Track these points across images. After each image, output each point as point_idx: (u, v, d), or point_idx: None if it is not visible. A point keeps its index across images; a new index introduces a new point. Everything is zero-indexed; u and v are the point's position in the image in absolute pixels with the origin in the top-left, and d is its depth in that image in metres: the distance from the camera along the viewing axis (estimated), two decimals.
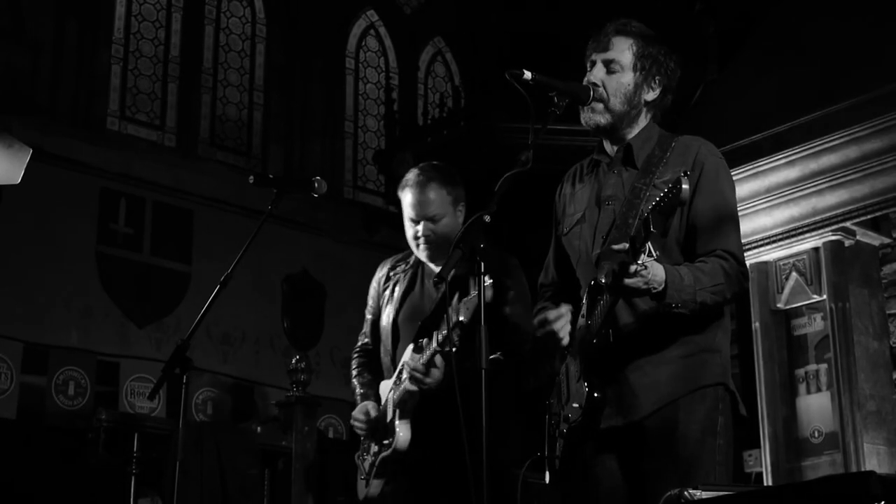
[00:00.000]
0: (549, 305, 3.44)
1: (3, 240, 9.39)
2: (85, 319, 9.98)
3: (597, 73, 3.33)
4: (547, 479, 3.33)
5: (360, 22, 13.20)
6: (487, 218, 3.07)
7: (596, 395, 3.20)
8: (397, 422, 3.97)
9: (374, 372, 4.29)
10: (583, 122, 3.37)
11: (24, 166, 6.78)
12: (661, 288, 3.02)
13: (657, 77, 3.36)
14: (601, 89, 3.31)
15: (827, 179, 7.08)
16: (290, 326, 11.27)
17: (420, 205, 4.09)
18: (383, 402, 4.11)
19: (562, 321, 3.26)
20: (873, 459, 6.79)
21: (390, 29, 13.41)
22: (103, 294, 10.16)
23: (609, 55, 3.34)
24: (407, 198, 4.16)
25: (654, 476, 3.12)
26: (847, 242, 7.22)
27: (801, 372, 7.24)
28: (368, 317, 4.38)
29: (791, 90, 7.45)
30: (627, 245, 2.93)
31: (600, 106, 3.32)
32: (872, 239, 7.37)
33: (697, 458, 3.11)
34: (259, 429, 7.63)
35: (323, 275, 11.47)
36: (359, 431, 4.14)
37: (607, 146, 3.43)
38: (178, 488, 4.26)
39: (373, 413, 4.09)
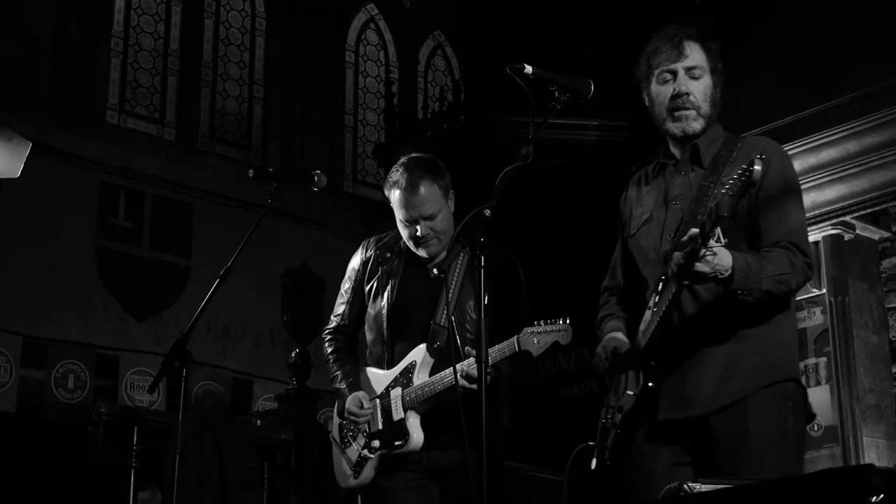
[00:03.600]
0: (616, 320, 3.51)
1: (3, 234, 9.39)
2: (84, 313, 9.98)
3: (684, 83, 3.34)
4: (592, 466, 3.34)
5: (359, 15, 13.19)
6: (488, 212, 3.07)
7: (651, 384, 3.21)
8: (410, 422, 3.90)
9: (354, 355, 4.21)
10: (675, 131, 3.36)
11: (24, 160, 6.77)
12: (728, 274, 3.02)
13: (721, 75, 3.40)
14: (692, 97, 3.33)
15: (826, 174, 7.08)
16: (289, 320, 11.27)
17: (415, 205, 3.97)
18: (379, 393, 4.03)
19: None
20: (872, 453, 6.80)
21: (390, 22, 13.41)
22: (103, 288, 10.16)
23: (689, 62, 3.35)
24: (397, 199, 4.03)
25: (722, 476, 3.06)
26: (847, 236, 7.22)
27: (800, 365, 7.25)
28: (347, 297, 4.26)
29: (791, 85, 7.45)
30: (697, 231, 2.93)
31: (693, 113, 3.33)
32: (872, 233, 7.37)
33: (767, 460, 3.07)
34: (258, 422, 7.64)
35: (322, 268, 11.46)
36: (356, 424, 4.02)
37: (674, 148, 3.43)
38: (178, 481, 4.26)
39: (367, 405, 4.00)
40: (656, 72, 3.38)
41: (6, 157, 6.73)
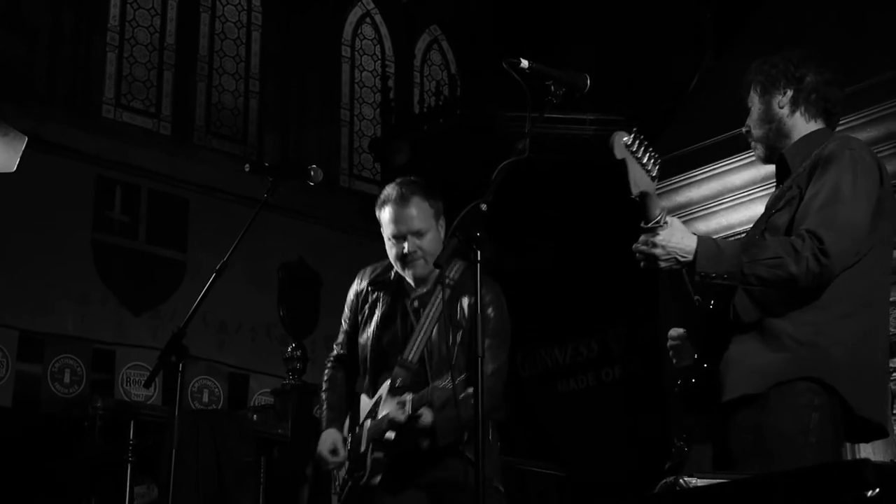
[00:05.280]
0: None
1: None
2: (81, 307, 9.97)
3: (746, 121, 3.54)
4: None
5: (355, 10, 13.18)
6: (484, 206, 3.07)
7: (693, 380, 3.28)
8: (369, 457, 3.91)
9: (348, 383, 4.26)
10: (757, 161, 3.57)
11: (20, 154, 6.77)
12: (689, 257, 3.06)
13: (777, 83, 3.47)
14: (749, 129, 3.53)
15: None
16: (285, 315, 11.27)
17: (405, 220, 3.97)
18: (361, 421, 4.05)
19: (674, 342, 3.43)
20: (868, 447, 6.80)
21: (386, 17, 13.39)
22: (99, 282, 10.15)
23: (749, 103, 3.58)
24: (387, 214, 4.04)
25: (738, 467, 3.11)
26: None
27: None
28: (345, 327, 4.29)
29: None
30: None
31: (753, 144, 3.52)
32: None
33: (780, 456, 3.05)
34: (255, 417, 7.64)
35: (319, 263, 11.47)
36: (326, 468, 4.06)
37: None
38: (174, 476, 4.26)
39: (342, 452, 4.01)
40: None
41: (3, 151, 6.73)
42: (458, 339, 3.87)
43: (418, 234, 3.98)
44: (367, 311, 4.15)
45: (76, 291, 9.97)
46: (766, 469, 2.92)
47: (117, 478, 6.68)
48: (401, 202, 4.01)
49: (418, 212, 4.00)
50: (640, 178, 3.08)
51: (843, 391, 3.12)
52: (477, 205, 3.08)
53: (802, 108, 3.43)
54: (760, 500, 2.39)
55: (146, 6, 11.56)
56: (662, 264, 3.13)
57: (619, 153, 3.06)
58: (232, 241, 4.05)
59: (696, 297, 3.28)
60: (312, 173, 4.19)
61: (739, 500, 2.45)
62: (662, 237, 3.10)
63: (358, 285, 4.26)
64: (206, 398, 10.44)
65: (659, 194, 8.08)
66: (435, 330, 3.93)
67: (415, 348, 3.93)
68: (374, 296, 4.15)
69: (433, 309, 3.96)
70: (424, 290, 4.04)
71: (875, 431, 3.25)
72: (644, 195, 3.11)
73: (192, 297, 3.99)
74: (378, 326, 4.07)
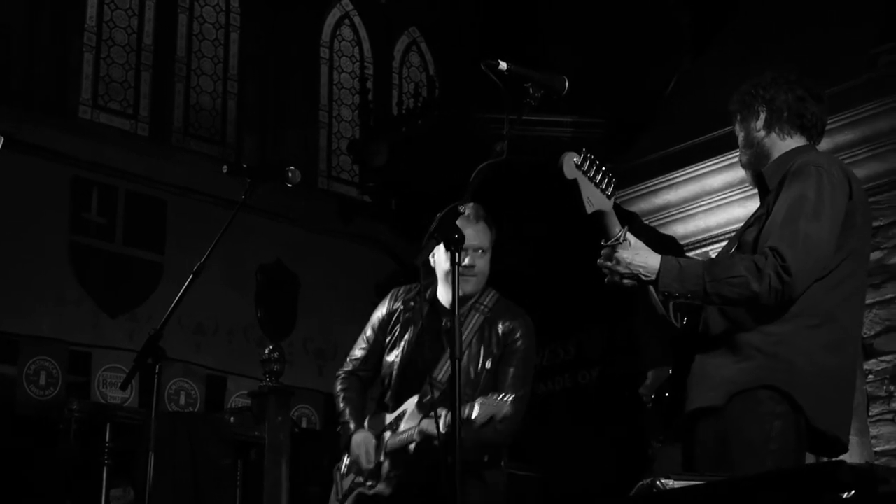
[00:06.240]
0: None
1: None
2: (57, 309, 9.92)
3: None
4: None
5: (334, 11, 13.16)
6: (462, 208, 3.08)
7: (666, 394, 3.34)
8: (384, 467, 3.99)
9: (363, 397, 4.30)
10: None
11: None
12: (652, 277, 3.12)
13: (751, 108, 3.51)
14: (740, 156, 3.57)
15: None
16: (263, 316, 11.24)
17: (474, 235, 4.03)
18: (378, 432, 4.10)
19: None
20: None
21: (365, 18, 13.38)
22: (75, 284, 10.10)
23: (736, 130, 3.59)
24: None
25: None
26: None
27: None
28: (364, 344, 4.31)
29: None
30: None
31: (743, 169, 3.59)
32: None
33: (743, 463, 3.05)
34: (232, 419, 7.62)
35: (296, 265, 11.44)
36: (356, 465, 4.09)
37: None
38: (151, 479, 4.24)
39: (372, 455, 4.05)
40: None
41: None
42: (488, 365, 4.01)
43: (480, 251, 4.09)
44: (398, 331, 4.20)
45: (52, 293, 9.92)
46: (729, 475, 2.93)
47: (93, 480, 6.66)
48: (473, 219, 4.09)
49: (485, 232, 4.12)
50: (594, 197, 3.11)
51: (801, 400, 3.14)
52: (455, 207, 3.09)
53: (777, 128, 3.47)
54: (737, 502, 2.40)
55: (123, 7, 11.51)
56: (626, 282, 3.20)
57: (570, 173, 3.07)
58: (210, 243, 4.03)
59: (676, 308, 3.33)
60: (290, 175, 4.18)
61: (716, 502, 2.45)
62: (627, 256, 3.16)
63: (391, 305, 4.30)
64: (182, 400, 10.40)
65: (637, 197, 8.10)
66: (466, 353, 4.00)
67: (445, 368, 3.99)
68: (407, 315, 4.20)
69: (466, 332, 4.03)
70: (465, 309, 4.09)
71: (833, 445, 3.25)
72: (600, 213, 3.15)
73: (169, 298, 3.98)
74: (409, 346, 4.13)
